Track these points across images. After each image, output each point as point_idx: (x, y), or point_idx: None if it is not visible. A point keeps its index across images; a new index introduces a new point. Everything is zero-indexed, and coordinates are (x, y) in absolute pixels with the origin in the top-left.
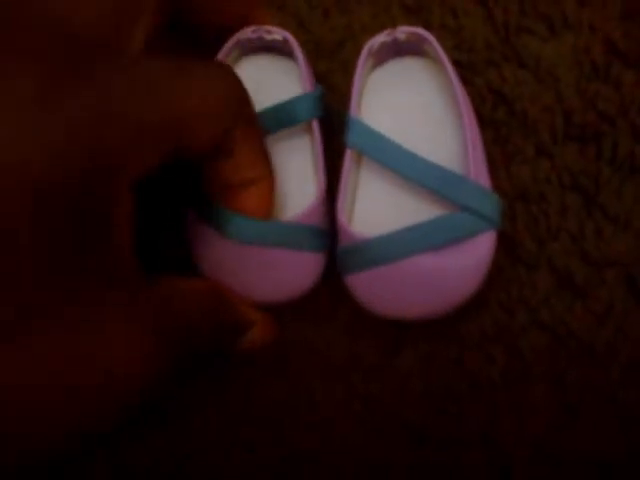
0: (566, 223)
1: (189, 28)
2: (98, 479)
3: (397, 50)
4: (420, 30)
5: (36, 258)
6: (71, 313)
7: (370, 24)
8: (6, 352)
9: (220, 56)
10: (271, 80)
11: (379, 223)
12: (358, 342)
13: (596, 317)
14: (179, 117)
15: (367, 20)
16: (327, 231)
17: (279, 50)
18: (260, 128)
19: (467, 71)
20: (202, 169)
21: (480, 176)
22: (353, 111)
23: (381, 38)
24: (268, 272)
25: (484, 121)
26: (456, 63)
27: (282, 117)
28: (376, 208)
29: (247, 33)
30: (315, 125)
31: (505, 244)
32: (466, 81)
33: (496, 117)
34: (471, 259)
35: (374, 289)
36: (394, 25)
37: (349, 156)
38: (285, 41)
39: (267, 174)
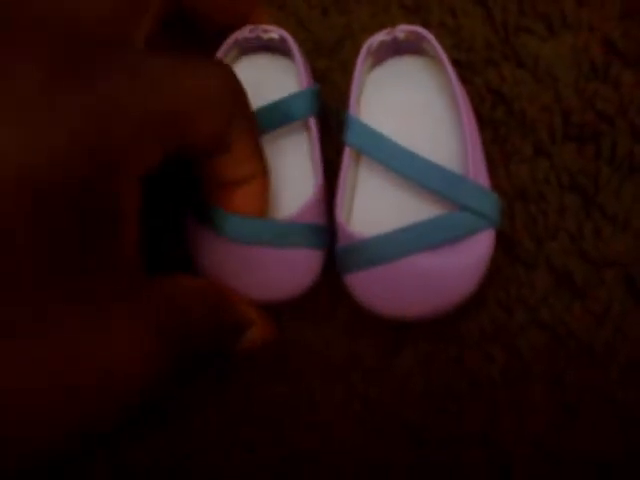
0: (565, 223)
1: (190, 26)
2: (98, 479)
3: (396, 49)
4: (419, 29)
5: (36, 258)
6: (72, 313)
7: (369, 23)
8: (6, 353)
9: (219, 55)
10: (269, 79)
11: (378, 222)
12: (358, 342)
13: (595, 317)
14: (180, 113)
15: (366, 19)
16: (326, 228)
17: (277, 49)
18: (256, 126)
19: (466, 70)
20: (198, 168)
21: (479, 175)
22: (352, 110)
23: (380, 37)
24: (267, 271)
25: (483, 120)
26: (455, 62)
27: (279, 115)
28: (375, 207)
29: (245, 32)
30: (312, 122)
31: (504, 243)
32: (465, 80)
33: (495, 116)
34: (470, 258)
35: (373, 288)
36: (393, 24)
37: (348, 155)
38: (282, 39)
39: (262, 172)
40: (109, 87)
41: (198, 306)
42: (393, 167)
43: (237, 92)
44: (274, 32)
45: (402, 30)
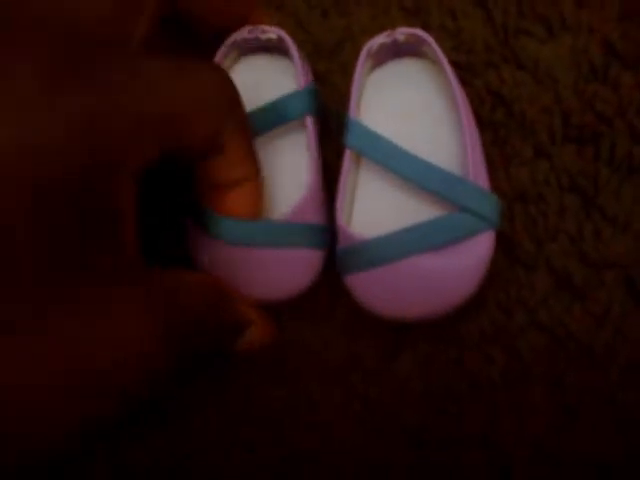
0: (565, 224)
1: (188, 28)
2: (98, 479)
3: (396, 51)
4: (419, 31)
5: (36, 254)
6: (72, 309)
7: (369, 25)
8: (5, 349)
9: (218, 57)
10: (269, 79)
11: (378, 224)
12: (357, 342)
13: (595, 318)
14: (176, 114)
15: (366, 21)
16: (323, 228)
17: (277, 49)
18: (249, 129)
19: (466, 72)
20: (192, 170)
21: (479, 177)
22: (352, 112)
23: (380, 39)
24: (264, 272)
25: (483, 122)
26: (455, 64)
27: (276, 115)
28: (375, 209)
29: (243, 33)
30: (309, 122)
31: (504, 245)
32: (465, 82)
33: (495, 118)
34: (470, 259)
35: (373, 289)
36: (393, 26)
37: (348, 157)
38: (280, 40)
39: (254, 175)
40: (108, 87)
41: (199, 301)
42: (393, 169)
43: (232, 95)
44: (272, 32)
45: (402, 32)
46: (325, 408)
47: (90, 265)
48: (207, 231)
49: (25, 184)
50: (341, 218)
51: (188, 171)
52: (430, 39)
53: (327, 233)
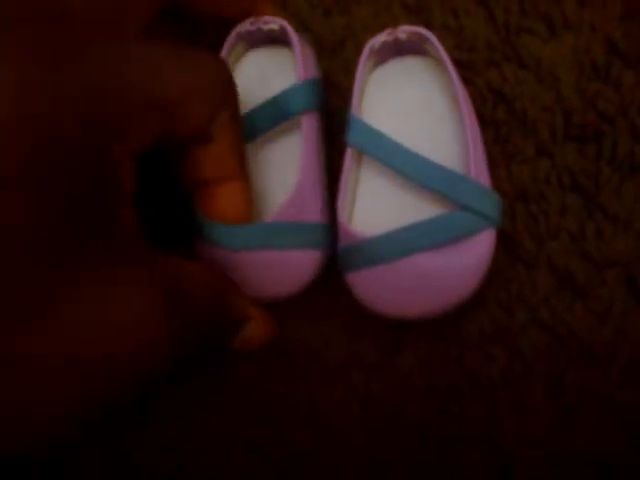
0: (566, 223)
1: (188, 20)
2: (98, 479)
3: (398, 49)
4: (421, 30)
5: (37, 237)
6: (76, 292)
7: (371, 24)
8: (8, 333)
9: (224, 50)
10: (274, 73)
11: (379, 222)
12: (357, 341)
13: (596, 317)
14: (171, 99)
15: (368, 20)
16: (320, 227)
17: (280, 41)
18: (240, 122)
19: (468, 71)
20: (181, 165)
21: (480, 175)
22: (354, 110)
23: (382, 37)
24: (259, 274)
25: (485, 121)
26: (457, 63)
27: (277, 110)
28: (376, 207)
29: (246, 25)
30: (307, 116)
31: (505, 243)
32: (467, 81)
33: (496, 117)
34: (471, 258)
35: (375, 288)
36: (395, 25)
37: (349, 155)
38: (283, 31)
39: (240, 175)
40: (107, 67)
41: (202, 288)
42: (394, 167)
43: (228, 85)
44: (275, 23)
45: (404, 31)
46: (325, 407)
47: (91, 248)
48: (204, 238)
49: (25, 160)
50: (342, 216)
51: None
52: (432, 37)
53: (325, 232)
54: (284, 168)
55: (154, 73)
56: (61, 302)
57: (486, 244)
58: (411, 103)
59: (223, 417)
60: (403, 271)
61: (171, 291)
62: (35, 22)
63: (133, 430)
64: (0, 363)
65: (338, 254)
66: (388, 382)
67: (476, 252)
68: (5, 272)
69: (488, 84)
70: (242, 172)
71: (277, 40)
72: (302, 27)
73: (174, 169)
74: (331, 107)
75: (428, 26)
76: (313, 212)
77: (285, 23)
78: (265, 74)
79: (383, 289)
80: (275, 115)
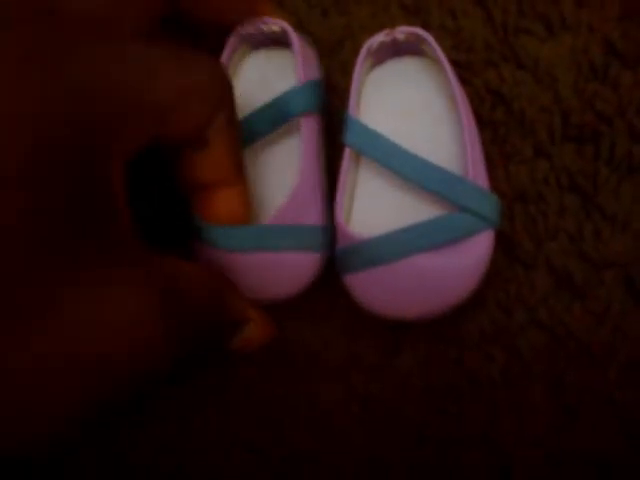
0: (564, 223)
1: (190, 26)
2: (98, 479)
3: (396, 50)
4: (419, 30)
5: (35, 238)
6: (73, 292)
7: (369, 24)
8: (6, 333)
9: (226, 52)
10: (276, 75)
11: (377, 223)
12: (356, 342)
13: (595, 317)
14: (168, 101)
15: (366, 20)
16: (318, 229)
17: (284, 43)
18: (237, 126)
19: (466, 71)
20: (178, 168)
21: (478, 176)
22: (352, 110)
23: (380, 38)
24: (256, 276)
25: (483, 121)
26: (455, 63)
27: (277, 112)
28: (375, 208)
29: (247, 27)
30: (307, 118)
31: (503, 244)
32: (465, 81)
33: (494, 117)
34: (470, 258)
35: (373, 289)
36: (393, 25)
37: (347, 156)
38: (284, 31)
39: (237, 178)
40: (106, 67)
41: (199, 288)
42: (392, 167)
43: (225, 89)
44: (276, 25)
45: (401, 31)
46: (325, 408)
47: (86, 248)
48: (198, 236)
49: (25, 160)
50: (340, 217)
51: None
52: (429, 37)
53: (325, 234)
54: (284, 171)
55: (150, 74)
56: (61, 302)
57: (484, 245)
58: (409, 104)
59: (223, 417)
60: (402, 272)
61: (167, 291)
62: (33, 22)
63: (133, 430)
64: (0, 363)
65: (336, 256)
66: (387, 383)
67: (475, 253)
68: (5, 272)
69: (486, 84)
70: (239, 175)
71: (278, 41)
72: (300, 27)
73: (170, 169)
74: (329, 107)
75: (426, 27)
76: (312, 215)
77: (286, 24)
78: (267, 76)
79: (382, 290)
80: (275, 117)
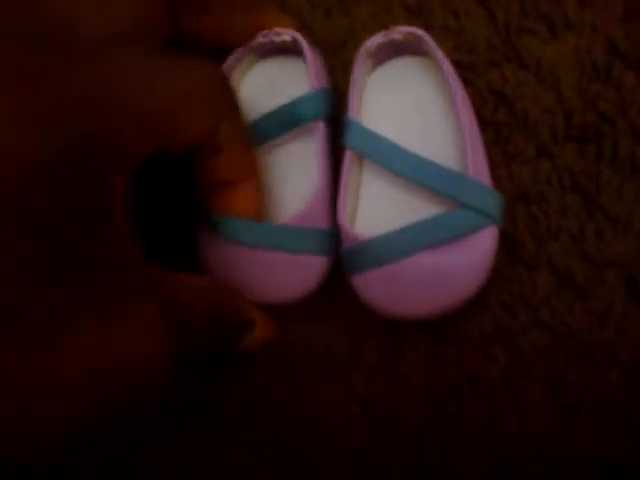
0: (566, 223)
1: (193, 47)
2: (98, 479)
3: (397, 50)
4: (416, 30)
5: (45, 255)
6: (71, 310)
7: (371, 24)
8: (21, 350)
9: (232, 60)
10: (284, 82)
11: (382, 223)
12: (359, 343)
13: (596, 317)
14: (172, 107)
15: (369, 20)
16: (331, 233)
17: (293, 51)
18: (245, 128)
19: (468, 72)
20: (194, 171)
21: (480, 175)
22: (352, 111)
23: (378, 39)
24: (267, 275)
25: (485, 122)
26: (457, 64)
27: (287, 118)
28: (378, 208)
29: (258, 38)
30: (319, 125)
31: (506, 244)
32: (467, 82)
33: (497, 118)
34: (474, 255)
35: (381, 289)
36: (395, 25)
37: (349, 157)
38: (295, 42)
39: (252, 176)
40: (107, 78)
41: (200, 305)
42: (393, 168)
43: (228, 96)
44: (287, 35)
45: (399, 32)
46: (325, 408)
47: (86, 265)
48: (210, 229)
49: (26, 180)
50: (343, 218)
51: (192, 172)
52: (427, 38)
53: (334, 238)
54: (294, 172)
55: (149, 82)
56: (61, 318)
57: (488, 241)
58: (410, 104)
59: (223, 417)
60: (409, 270)
61: (169, 307)
62: (33, 38)
63: (132, 430)
64: (17, 378)
65: (342, 256)
66: (388, 383)
67: (479, 249)
68: (16, 292)
69: (489, 85)
70: (253, 173)
71: (286, 50)
72: (303, 27)
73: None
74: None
75: (428, 27)
76: (326, 218)
77: (297, 34)
78: (275, 83)
79: (390, 290)
80: (286, 122)
